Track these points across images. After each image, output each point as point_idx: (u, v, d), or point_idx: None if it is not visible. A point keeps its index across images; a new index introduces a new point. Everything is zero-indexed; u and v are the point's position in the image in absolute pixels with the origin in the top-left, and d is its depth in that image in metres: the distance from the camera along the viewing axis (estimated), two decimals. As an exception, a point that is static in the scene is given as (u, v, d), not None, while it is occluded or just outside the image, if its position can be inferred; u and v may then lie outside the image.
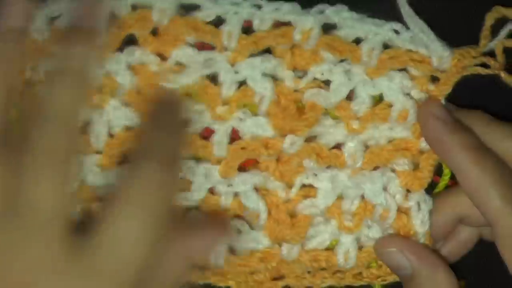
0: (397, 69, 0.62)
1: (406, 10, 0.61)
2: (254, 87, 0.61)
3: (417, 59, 0.61)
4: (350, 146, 0.62)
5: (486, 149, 0.58)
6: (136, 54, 0.61)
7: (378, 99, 0.63)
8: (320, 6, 0.61)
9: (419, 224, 0.63)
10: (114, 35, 0.61)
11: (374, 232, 0.64)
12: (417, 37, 0.61)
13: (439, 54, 0.61)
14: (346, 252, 0.64)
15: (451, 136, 0.58)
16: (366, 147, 0.63)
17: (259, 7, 0.61)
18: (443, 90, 0.62)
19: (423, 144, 0.63)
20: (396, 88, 0.62)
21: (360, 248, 0.64)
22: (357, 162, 0.62)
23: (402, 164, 0.63)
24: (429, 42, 0.61)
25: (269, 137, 0.62)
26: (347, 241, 0.64)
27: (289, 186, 0.63)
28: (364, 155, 0.62)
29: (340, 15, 0.61)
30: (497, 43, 0.62)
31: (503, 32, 0.62)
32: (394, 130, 0.63)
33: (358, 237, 0.64)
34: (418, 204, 0.63)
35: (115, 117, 0.62)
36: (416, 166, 0.63)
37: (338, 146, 0.63)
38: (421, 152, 0.63)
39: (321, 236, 0.64)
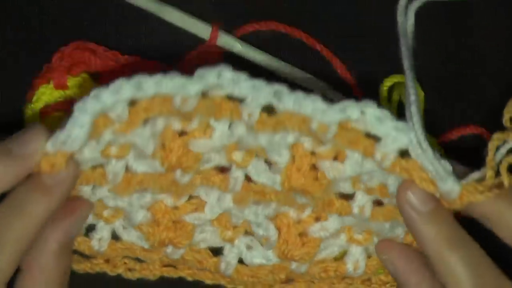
0: None
1: (421, 141, 0.57)
2: (273, 156, 0.59)
3: (427, 180, 0.57)
4: (360, 199, 0.61)
5: (461, 236, 0.57)
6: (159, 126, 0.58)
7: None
8: (345, 103, 0.57)
9: None
10: (134, 115, 0.57)
11: None
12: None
13: (449, 188, 0.57)
14: (356, 262, 0.63)
15: (423, 228, 0.56)
16: (375, 202, 0.61)
17: (280, 94, 0.57)
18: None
19: None
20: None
21: (369, 256, 0.64)
22: (366, 213, 0.61)
23: None
24: (442, 173, 0.57)
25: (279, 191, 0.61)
26: (356, 252, 0.63)
27: (301, 208, 0.63)
28: (372, 208, 0.61)
29: (362, 111, 0.57)
30: (502, 165, 0.57)
31: (503, 151, 0.58)
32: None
33: (367, 247, 0.63)
34: None
35: (136, 164, 0.60)
36: None
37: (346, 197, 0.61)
38: None
39: (330, 248, 0.64)
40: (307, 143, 0.59)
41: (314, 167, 0.60)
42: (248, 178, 0.61)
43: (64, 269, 0.58)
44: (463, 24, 0.67)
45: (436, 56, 0.67)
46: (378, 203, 0.61)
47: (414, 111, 0.57)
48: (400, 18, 0.63)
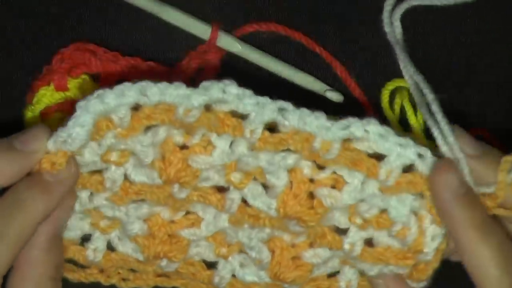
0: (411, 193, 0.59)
1: (447, 135, 0.58)
2: (271, 179, 0.60)
3: None
4: (352, 235, 0.61)
5: (491, 224, 0.57)
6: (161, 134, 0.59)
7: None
8: (349, 120, 0.58)
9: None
10: (136, 121, 0.58)
11: None
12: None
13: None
14: (348, 281, 0.63)
15: (459, 212, 0.57)
16: (366, 241, 0.61)
17: (284, 111, 0.58)
18: None
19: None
20: (404, 212, 0.59)
21: (362, 275, 0.63)
22: (355, 251, 0.61)
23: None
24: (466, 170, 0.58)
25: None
26: (349, 272, 0.63)
27: (296, 234, 0.62)
28: (362, 247, 0.61)
29: (366, 128, 0.57)
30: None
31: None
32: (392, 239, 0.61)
33: (360, 268, 0.63)
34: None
35: (134, 173, 0.60)
36: None
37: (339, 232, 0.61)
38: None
39: (323, 269, 0.63)
40: (306, 169, 0.59)
41: (311, 195, 0.60)
42: (245, 201, 0.61)
43: (55, 263, 0.58)
44: (464, 27, 0.67)
45: (438, 60, 0.67)
46: (368, 244, 0.61)
47: (435, 109, 0.58)
48: (387, 29, 0.64)
